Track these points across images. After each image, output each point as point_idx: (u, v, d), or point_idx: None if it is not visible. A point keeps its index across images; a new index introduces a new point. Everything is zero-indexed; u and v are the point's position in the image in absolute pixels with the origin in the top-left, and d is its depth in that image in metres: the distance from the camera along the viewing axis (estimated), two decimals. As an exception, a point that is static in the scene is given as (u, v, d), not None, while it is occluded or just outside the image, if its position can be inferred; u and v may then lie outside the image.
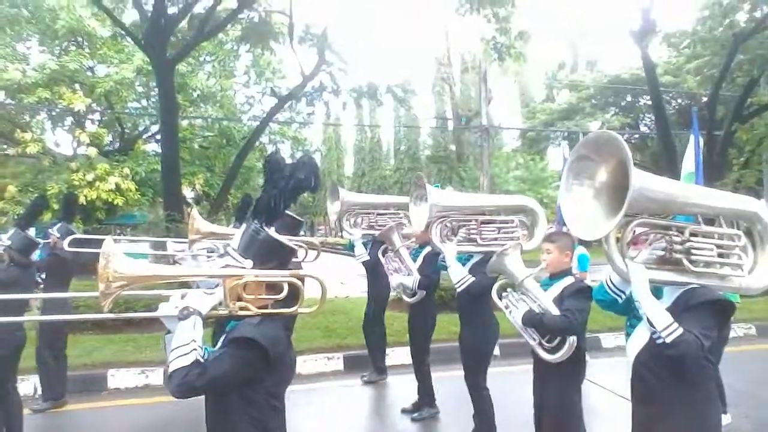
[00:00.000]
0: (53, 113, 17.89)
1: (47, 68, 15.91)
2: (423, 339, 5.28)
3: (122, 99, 18.02)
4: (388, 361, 6.49)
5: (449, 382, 5.01)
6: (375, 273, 6.08)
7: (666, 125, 13.34)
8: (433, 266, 4.85)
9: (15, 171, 16.61)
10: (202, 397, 2.03)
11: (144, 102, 19.67)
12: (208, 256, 4.01)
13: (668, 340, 2.22)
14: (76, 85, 17.10)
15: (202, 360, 1.87)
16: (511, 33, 12.35)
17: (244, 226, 2.23)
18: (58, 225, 5.58)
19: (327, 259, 6.24)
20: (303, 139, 21.57)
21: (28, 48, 18.00)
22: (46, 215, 9.30)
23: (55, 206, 11.98)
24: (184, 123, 17.83)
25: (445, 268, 4.27)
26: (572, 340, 3.18)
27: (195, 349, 1.85)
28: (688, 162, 5.45)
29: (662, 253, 2.43)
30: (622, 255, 2.39)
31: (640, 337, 2.46)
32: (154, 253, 8.27)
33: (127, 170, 16.33)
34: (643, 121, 28.31)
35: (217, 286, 2.00)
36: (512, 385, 4.50)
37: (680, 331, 2.21)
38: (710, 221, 2.56)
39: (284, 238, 2.18)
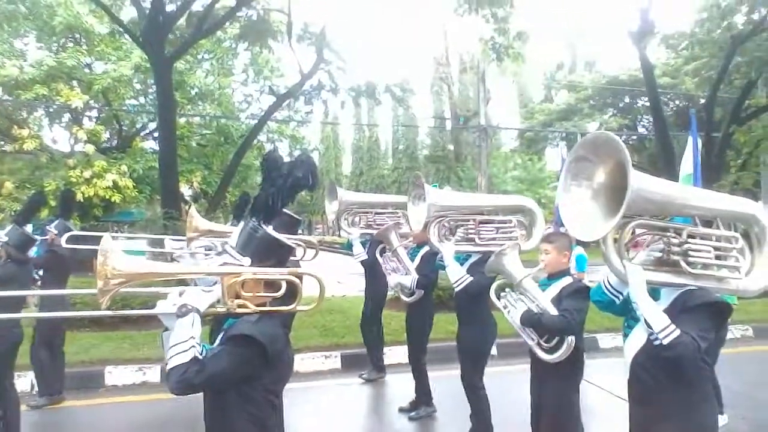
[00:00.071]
0: (51, 110, 17.83)
1: (45, 65, 15.87)
2: (420, 338, 5.28)
3: (120, 96, 17.99)
4: (386, 360, 6.51)
5: (446, 382, 5.00)
6: (373, 272, 6.08)
7: (664, 127, 13.37)
8: (431, 266, 4.85)
9: (12, 167, 16.58)
10: (200, 394, 2.03)
11: (142, 99, 19.68)
12: (206, 254, 4.01)
13: (665, 341, 2.22)
14: (74, 82, 17.06)
15: (200, 357, 1.87)
16: (510, 33, 12.37)
17: (242, 224, 2.23)
18: (56, 222, 5.55)
19: (325, 258, 6.24)
20: (301, 137, 21.53)
21: (26, 44, 17.98)
22: (43, 212, 9.30)
23: (53, 203, 11.91)
24: (182, 121, 17.80)
25: (443, 267, 4.26)
26: (570, 340, 3.18)
27: (193, 347, 1.85)
28: (687, 164, 5.44)
29: (660, 254, 2.44)
30: (620, 256, 2.40)
31: (637, 338, 2.46)
32: (152, 250, 8.24)
33: (124, 167, 16.31)
34: (641, 123, 28.32)
35: (215, 283, 2.00)
36: (509, 385, 4.50)
37: (677, 332, 2.22)
38: (708, 223, 2.57)
39: (282, 237, 2.18)
